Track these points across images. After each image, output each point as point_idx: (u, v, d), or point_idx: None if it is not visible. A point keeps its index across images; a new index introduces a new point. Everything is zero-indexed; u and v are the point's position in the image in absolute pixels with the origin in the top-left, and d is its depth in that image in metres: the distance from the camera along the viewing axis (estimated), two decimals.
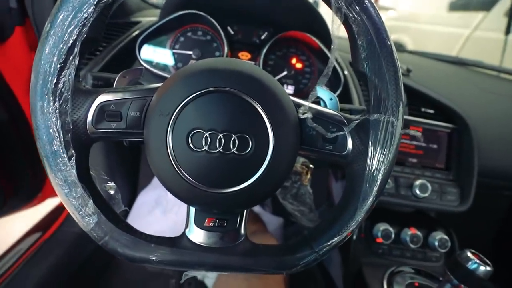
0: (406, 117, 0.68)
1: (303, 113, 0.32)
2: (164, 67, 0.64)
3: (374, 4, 0.31)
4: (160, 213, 1.02)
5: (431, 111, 0.71)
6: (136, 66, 0.65)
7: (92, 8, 0.29)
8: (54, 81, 0.29)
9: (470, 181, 0.67)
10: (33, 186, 0.87)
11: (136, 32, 0.66)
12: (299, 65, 0.65)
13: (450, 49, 2.20)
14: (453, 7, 2.60)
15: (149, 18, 0.74)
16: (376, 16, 0.30)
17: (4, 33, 0.66)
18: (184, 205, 0.35)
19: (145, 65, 0.60)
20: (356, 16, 0.30)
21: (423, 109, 0.71)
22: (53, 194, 1.00)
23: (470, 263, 0.42)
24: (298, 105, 0.33)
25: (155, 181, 1.04)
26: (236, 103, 0.30)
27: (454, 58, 1.02)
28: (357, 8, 0.30)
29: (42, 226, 0.91)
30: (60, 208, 0.97)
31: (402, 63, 0.79)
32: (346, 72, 0.66)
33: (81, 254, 0.82)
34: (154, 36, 0.62)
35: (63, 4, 0.29)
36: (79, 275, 0.82)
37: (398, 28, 2.88)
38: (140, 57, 0.61)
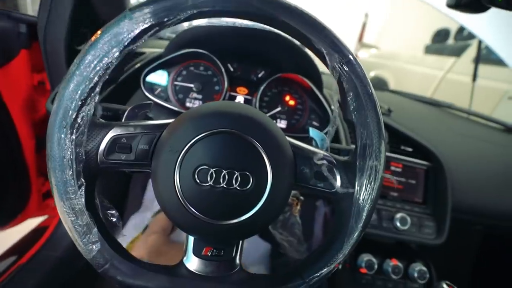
0: (387, 154, 0.73)
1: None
2: (166, 97, 0.67)
3: (361, 64, 0.36)
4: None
5: (410, 149, 0.78)
6: (138, 96, 0.68)
7: (117, 54, 0.32)
8: (74, 115, 0.32)
9: (444, 216, 0.72)
10: (16, 206, 0.84)
11: (140, 63, 0.70)
12: (292, 102, 0.70)
13: (426, 87, 2.39)
14: (428, 51, 2.86)
15: (152, 49, 0.79)
16: (363, 76, 0.35)
17: (10, 55, 0.68)
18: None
19: (149, 96, 0.64)
20: (346, 74, 0.35)
21: (402, 147, 0.78)
22: (34, 214, 0.97)
23: None
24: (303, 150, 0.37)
25: (144, 207, 1.03)
26: (240, 143, 0.33)
27: (429, 99, 1.12)
28: (347, 68, 0.35)
29: (19, 248, 0.86)
30: (40, 230, 0.93)
31: (384, 102, 0.87)
32: (333, 107, 0.71)
33: (61, 280, 0.78)
34: (158, 68, 0.66)
35: (91, 48, 0.32)
36: None
37: (379, 65, 3.10)
38: (144, 90, 0.64)
